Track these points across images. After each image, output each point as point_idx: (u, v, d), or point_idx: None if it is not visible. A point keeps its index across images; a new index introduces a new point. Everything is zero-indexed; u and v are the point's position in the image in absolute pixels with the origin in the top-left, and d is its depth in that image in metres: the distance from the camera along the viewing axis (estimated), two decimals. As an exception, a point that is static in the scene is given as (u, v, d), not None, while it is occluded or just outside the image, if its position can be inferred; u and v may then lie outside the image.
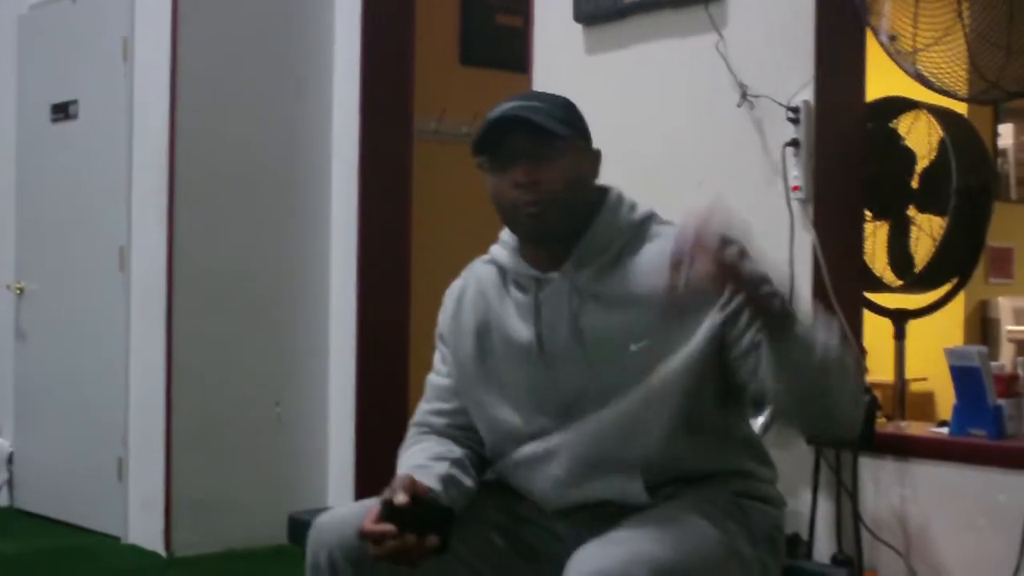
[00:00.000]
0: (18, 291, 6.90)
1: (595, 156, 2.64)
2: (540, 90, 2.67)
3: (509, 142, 2.52)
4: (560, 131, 2.50)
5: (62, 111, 6.63)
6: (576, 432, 2.54)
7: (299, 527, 3.44)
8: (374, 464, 5.77)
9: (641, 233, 2.58)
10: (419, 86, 6.23)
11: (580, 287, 2.54)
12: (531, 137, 2.50)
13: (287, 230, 6.14)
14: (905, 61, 3.70)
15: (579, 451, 2.54)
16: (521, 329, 2.60)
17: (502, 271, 2.68)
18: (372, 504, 2.42)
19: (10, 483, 7.00)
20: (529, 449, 2.62)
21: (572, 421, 2.55)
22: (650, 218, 2.62)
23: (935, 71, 3.66)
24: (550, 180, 2.51)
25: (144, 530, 6.01)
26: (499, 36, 7.06)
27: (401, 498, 2.33)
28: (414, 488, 2.38)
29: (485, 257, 2.76)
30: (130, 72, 6.16)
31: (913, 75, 3.75)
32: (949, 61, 3.61)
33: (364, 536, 2.33)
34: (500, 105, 2.58)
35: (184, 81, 5.85)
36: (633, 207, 2.63)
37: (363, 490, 5.58)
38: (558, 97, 2.62)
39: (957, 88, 3.68)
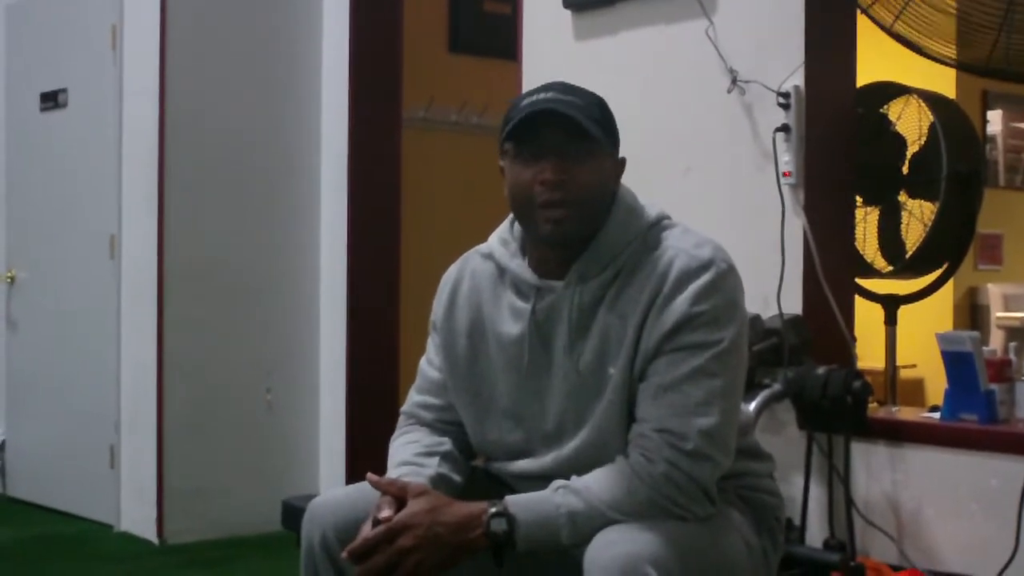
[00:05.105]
0: (9, 280, 6.89)
1: (620, 165, 2.57)
2: (574, 84, 2.55)
3: (544, 134, 2.43)
4: (597, 133, 2.43)
5: (51, 100, 6.61)
6: (566, 459, 2.50)
7: (293, 512, 3.45)
8: (365, 450, 5.79)
9: (647, 241, 2.49)
10: (408, 74, 6.22)
11: (582, 303, 2.48)
12: (566, 134, 2.42)
13: (277, 217, 6.14)
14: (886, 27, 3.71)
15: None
16: (515, 337, 2.56)
17: (500, 270, 2.62)
18: (367, 487, 2.43)
19: (2, 471, 7.00)
20: (523, 465, 2.60)
21: (553, 440, 2.54)
22: (657, 223, 2.53)
23: (916, 33, 3.67)
24: (578, 182, 2.42)
25: (136, 517, 6.01)
26: (488, 23, 7.06)
27: (386, 513, 2.34)
28: (403, 494, 2.38)
29: (483, 249, 2.69)
30: (119, 60, 6.15)
31: (896, 38, 3.75)
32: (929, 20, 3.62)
33: (349, 556, 2.34)
34: (534, 93, 2.48)
35: (173, 69, 5.84)
36: (641, 212, 2.53)
37: (354, 476, 5.58)
38: (592, 94, 2.51)
39: (940, 47, 3.68)
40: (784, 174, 3.96)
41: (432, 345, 2.75)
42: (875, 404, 4.00)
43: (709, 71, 4.19)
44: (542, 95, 2.46)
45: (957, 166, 4.28)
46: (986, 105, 7.43)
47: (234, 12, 6.04)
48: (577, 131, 2.42)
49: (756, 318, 3.77)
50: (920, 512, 3.72)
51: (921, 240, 4.38)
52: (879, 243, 4.48)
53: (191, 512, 5.88)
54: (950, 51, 3.66)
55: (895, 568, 3.62)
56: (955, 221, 4.38)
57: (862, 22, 4.03)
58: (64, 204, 6.55)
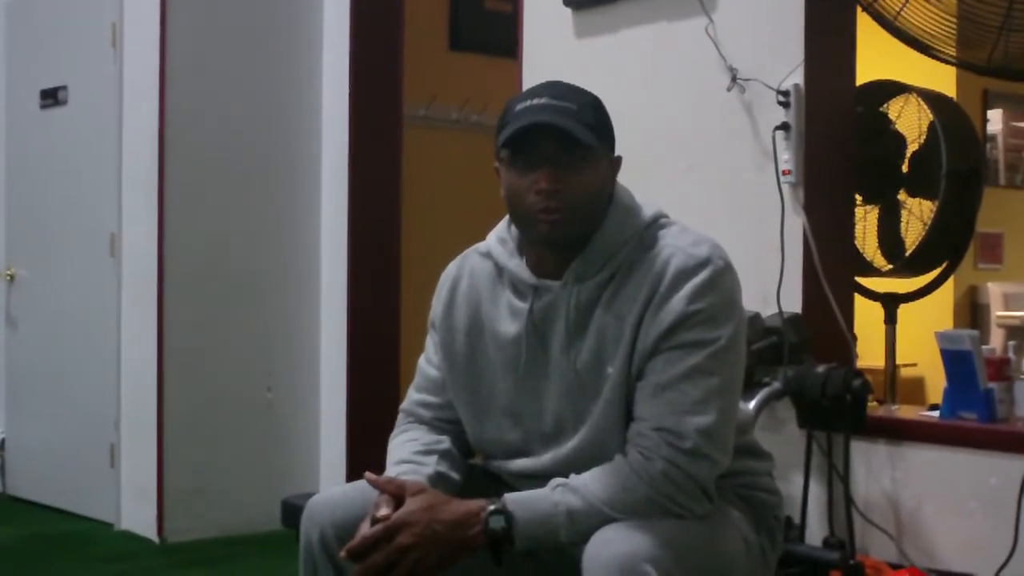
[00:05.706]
0: (8, 278, 6.89)
1: (616, 163, 2.56)
2: (568, 84, 2.53)
3: (538, 145, 2.43)
4: (590, 141, 2.43)
5: (51, 97, 6.61)
6: (565, 459, 2.50)
7: (293, 511, 3.43)
8: (365, 448, 5.79)
9: (644, 240, 2.49)
10: (409, 72, 6.22)
11: (579, 303, 2.48)
12: (560, 143, 2.42)
13: (278, 216, 6.14)
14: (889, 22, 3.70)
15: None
16: (512, 336, 2.56)
17: (498, 269, 2.63)
18: (365, 485, 2.44)
19: (2, 469, 7.00)
20: (521, 464, 2.60)
21: (551, 440, 2.54)
22: (654, 222, 2.53)
23: (918, 29, 3.67)
24: (572, 190, 2.42)
25: (137, 516, 6.01)
26: (488, 21, 7.06)
27: (384, 511, 2.34)
28: (402, 493, 2.38)
29: (481, 248, 2.70)
30: (119, 58, 6.15)
31: (897, 35, 3.75)
32: (931, 18, 3.62)
33: (348, 555, 2.35)
34: (528, 97, 2.48)
35: (174, 67, 5.84)
36: (638, 211, 2.53)
37: (355, 474, 5.57)
38: (587, 95, 2.51)
39: (942, 45, 3.68)
40: (784, 172, 3.96)
41: (431, 343, 2.75)
42: (875, 403, 4.00)
43: (709, 69, 4.19)
44: (536, 101, 2.46)
45: (957, 165, 4.27)
46: (986, 104, 7.43)
47: (234, 9, 6.03)
48: (571, 141, 2.42)
49: (756, 316, 3.77)
50: (919, 510, 3.72)
51: (921, 239, 4.38)
52: (879, 241, 4.47)
53: (191, 511, 5.88)
54: (951, 49, 3.65)
55: (894, 566, 3.62)
56: (955, 220, 4.37)
57: (862, 20, 4.03)
58: (64, 202, 6.55)
